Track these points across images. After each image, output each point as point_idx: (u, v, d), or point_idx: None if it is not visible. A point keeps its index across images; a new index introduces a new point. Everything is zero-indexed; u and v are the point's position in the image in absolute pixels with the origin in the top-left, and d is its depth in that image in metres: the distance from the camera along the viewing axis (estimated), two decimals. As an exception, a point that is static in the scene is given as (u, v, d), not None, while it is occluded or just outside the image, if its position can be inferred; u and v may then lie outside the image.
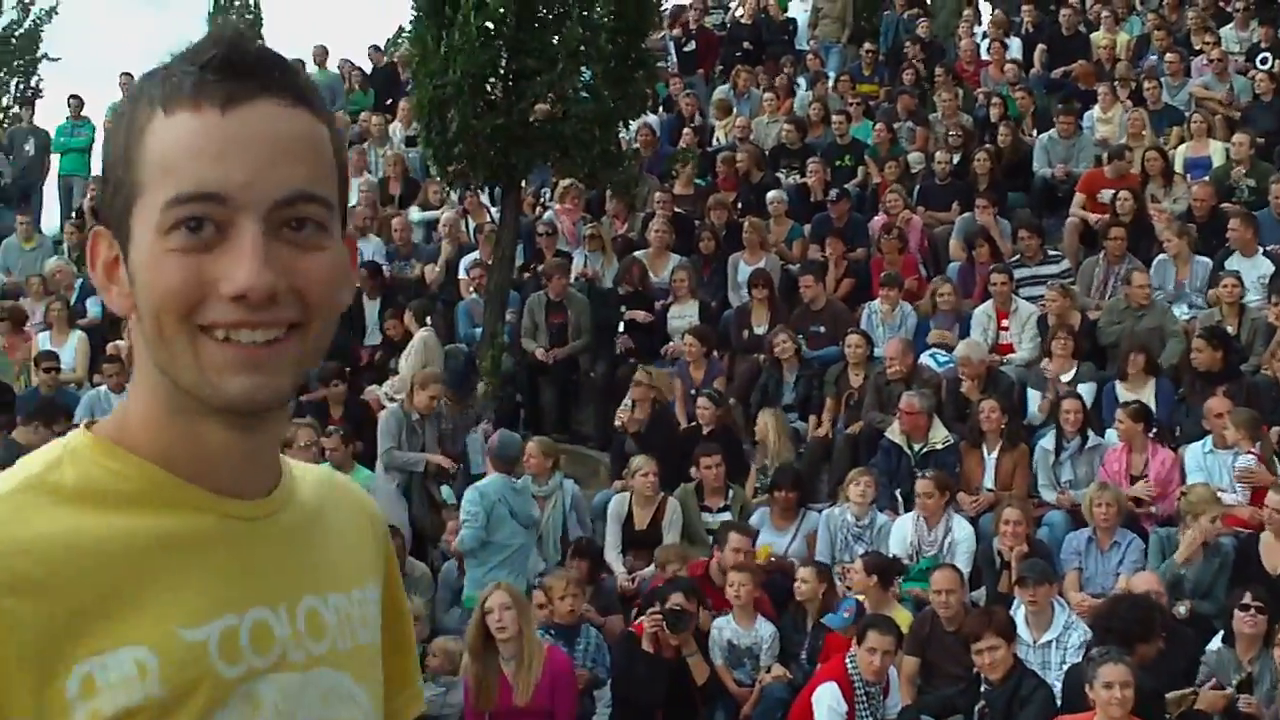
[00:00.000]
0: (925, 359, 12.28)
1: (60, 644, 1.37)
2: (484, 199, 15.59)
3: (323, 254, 1.47)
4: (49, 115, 21.63)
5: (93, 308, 14.61)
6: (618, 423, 12.14)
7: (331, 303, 1.49)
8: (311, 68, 21.41)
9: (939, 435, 11.02)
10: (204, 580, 1.46)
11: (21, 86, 31.55)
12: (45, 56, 32.69)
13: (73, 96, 20.81)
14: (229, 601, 1.47)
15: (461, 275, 14.67)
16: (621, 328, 13.56)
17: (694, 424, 11.97)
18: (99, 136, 20.18)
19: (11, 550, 1.38)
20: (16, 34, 32.90)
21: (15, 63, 32.17)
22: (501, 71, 12.91)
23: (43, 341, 14.06)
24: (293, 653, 1.52)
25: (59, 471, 1.47)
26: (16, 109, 23.48)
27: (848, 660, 8.18)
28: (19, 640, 1.35)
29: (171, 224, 1.41)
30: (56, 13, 33.16)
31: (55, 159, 20.05)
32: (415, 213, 16.30)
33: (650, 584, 9.86)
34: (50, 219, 19.91)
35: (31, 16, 32.87)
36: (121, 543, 1.43)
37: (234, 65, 1.42)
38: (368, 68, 21.80)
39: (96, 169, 19.66)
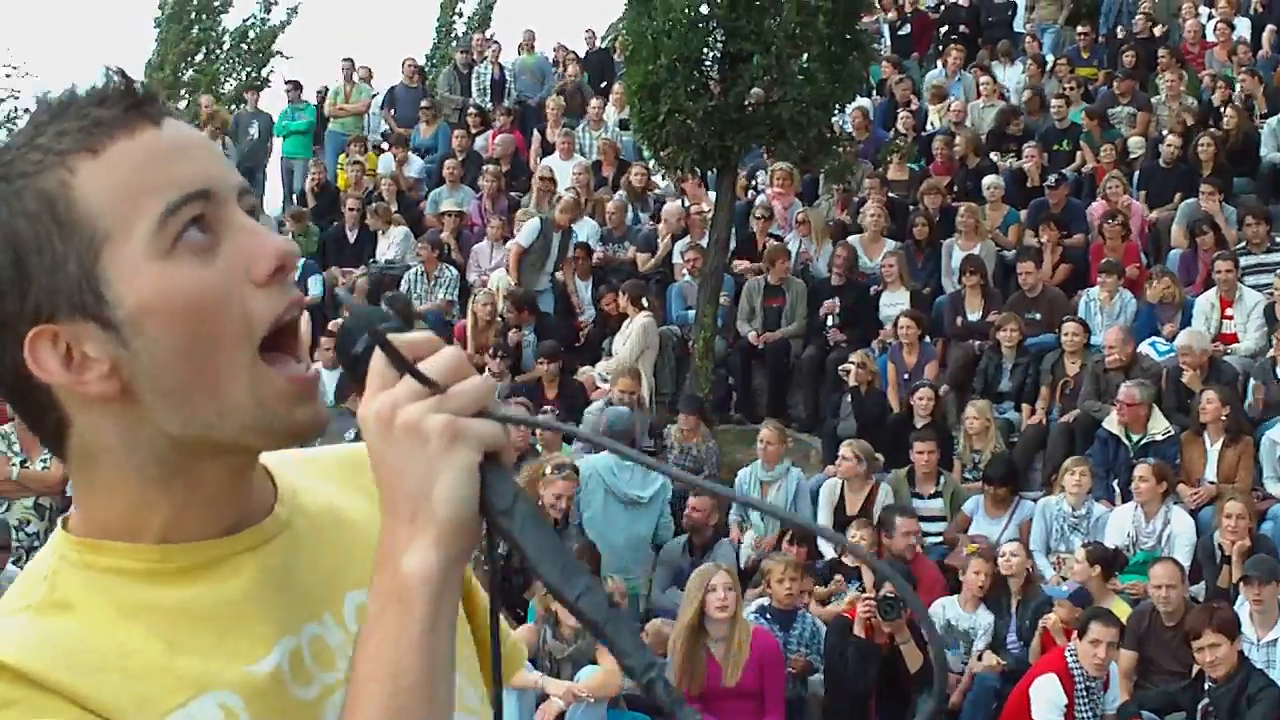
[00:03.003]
0: (1145, 348, 12.04)
1: (138, 707, 1.29)
2: (687, 184, 15.66)
3: None
4: (273, 100, 22.11)
5: (314, 288, 14.97)
6: (843, 370, 12.18)
7: None
8: (510, 55, 21.81)
9: (1159, 426, 10.80)
10: (249, 618, 1.39)
11: (251, 74, 32.36)
12: (280, 54, 33.50)
13: (290, 81, 21.28)
14: (281, 625, 1.40)
15: (675, 259, 14.77)
16: (830, 321, 13.53)
17: (905, 410, 11.95)
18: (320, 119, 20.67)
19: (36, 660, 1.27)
20: (255, 30, 33.79)
21: (248, 61, 33.02)
22: (716, 55, 12.96)
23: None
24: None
25: (56, 591, 1.36)
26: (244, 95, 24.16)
27: (1068, 653, 8.08)
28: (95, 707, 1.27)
29: (176, 235, 1.32)
30: (297, 14, 34.04)
31: (278, 142, 20.56)
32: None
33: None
34: (272, 201, 20.42)
35: (274, 18, 33.69)
36: (154, 624, 1.34)
37: (134, 92, 1.36)
38: (581, 51, 22.00)
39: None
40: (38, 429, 1.41)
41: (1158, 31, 18.84)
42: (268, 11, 33.83)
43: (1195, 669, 8.18)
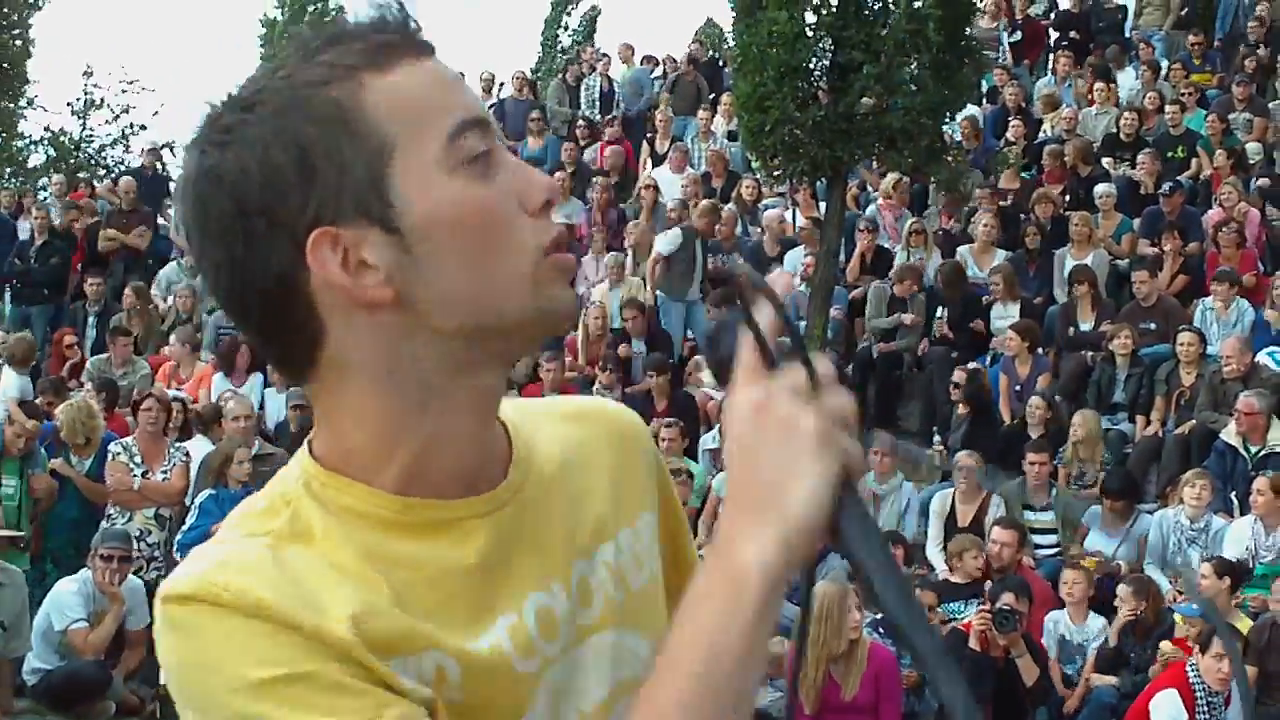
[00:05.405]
0: (1263, 358, 11.84)
1: (362, 644, 1.30)
2: (800, 195, 15.63)
3: None
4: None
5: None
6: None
7: None
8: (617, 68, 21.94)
9: (1279, 437, 10.63)
10: (475, 590, 1.41)
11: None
12: None
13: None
14: (508, 599, 1.42)
15: (788, 268, 14.72)
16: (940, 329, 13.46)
17: (1017, 421, 11.84)
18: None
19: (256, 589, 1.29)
20: None
21: None
22: (825, 65, 12.94)
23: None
24: (572, 630, 1.46)
25: (299, 520, 1.39)
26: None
27: (1189, 667, 7.96)
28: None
29: (463, 154, 1.38)
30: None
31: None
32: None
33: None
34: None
35: None
36: (386, 571, 1.37)
37: (409, 24, 1.41)
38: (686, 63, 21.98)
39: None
40: (285, 342, 1.42)
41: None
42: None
43: (1320, 686, 8.05)
